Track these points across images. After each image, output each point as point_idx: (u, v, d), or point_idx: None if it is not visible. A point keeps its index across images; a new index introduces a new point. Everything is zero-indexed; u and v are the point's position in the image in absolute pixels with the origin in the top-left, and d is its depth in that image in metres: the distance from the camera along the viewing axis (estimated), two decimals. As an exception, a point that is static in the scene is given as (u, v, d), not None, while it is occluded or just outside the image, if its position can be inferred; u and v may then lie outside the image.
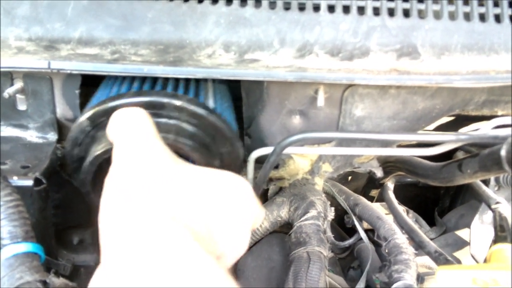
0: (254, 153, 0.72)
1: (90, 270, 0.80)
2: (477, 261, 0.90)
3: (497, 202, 0.88)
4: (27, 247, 0.54)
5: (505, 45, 0.60)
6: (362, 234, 0.88)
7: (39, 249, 0.56)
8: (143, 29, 0.61)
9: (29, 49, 0.62)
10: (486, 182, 0.96)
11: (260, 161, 0.73)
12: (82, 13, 0.61)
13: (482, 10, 0.62)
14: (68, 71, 0.62)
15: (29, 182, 0.61)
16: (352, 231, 0.95)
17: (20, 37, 0.61)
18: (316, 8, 0.62)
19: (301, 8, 0.62)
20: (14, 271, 0.52)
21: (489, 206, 0.88)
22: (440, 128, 0.85)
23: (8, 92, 0.65)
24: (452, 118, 0.84)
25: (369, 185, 1.18)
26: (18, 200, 0.57)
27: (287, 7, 0.62)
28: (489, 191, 0.91)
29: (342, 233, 1.04)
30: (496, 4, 0.62)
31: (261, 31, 0.61)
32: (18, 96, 0.68)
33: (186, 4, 0.62)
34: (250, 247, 0.81)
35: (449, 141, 0.65)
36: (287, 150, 0.67)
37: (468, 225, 0.97)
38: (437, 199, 1.23)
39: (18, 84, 0.66)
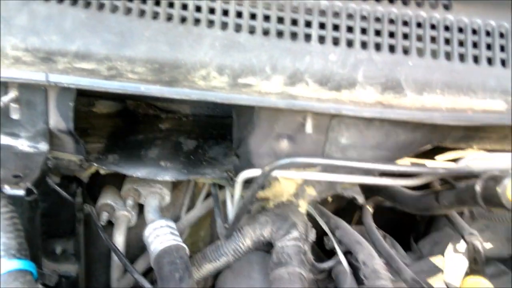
0: (242, 174, 0.73)
1: (71, 280, 0.80)
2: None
3: (471, 233, 0.90)
4: (20, 264, 0.55)
5: (483, 85, 0.64)
6: (342, 258, 0.90)
7: (32, 267, 0.56)
8: (140, 47, 0.63)
9: (25, 59, 0.62)
10: (460, 213, 0.99)
11: (247, 181, 0.74)
12: (80, 27, 0.62)
13: (462, 50, 0.65)
14: (65, 85, 0.63)
15: (21, 192, 0.61)
16: (331, 252, 0.96)
17: (17, 46, 0.62)
18: (308, 37, 0.64)
19: (293, 36, 0.64)
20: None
21: (462, 237, 0.90)
22: (418, 155, 0.88)
23: (2, 100, 0.66)
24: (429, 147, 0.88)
25: (348, 207, 1.20)
26: (13, 211, 0.57)
27: (280, 34, 0.64)
28: (462, 222, 0.94)
29: (320, 254, 1.06)
30: (475, 46, 0.66)
31: (254, 56, 0.63)
32: (12, 105, 0.68)
33: (183, 26, 0.63)
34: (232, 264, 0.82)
35: (428, 173, 0.68)
36: (274, 173, 0.69)
37: (442, 252, 0.99)
38: (413, 224, 1.26)
39: (13, 93, 0.67)
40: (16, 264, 0.54)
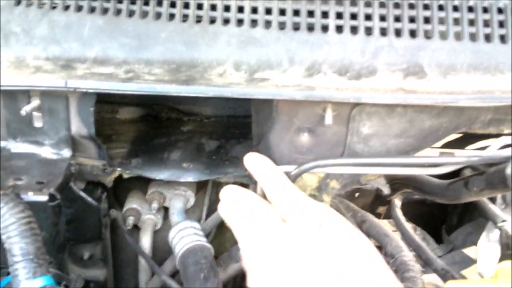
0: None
1: (99, 285, 0.81)
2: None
3: (503, 220, 0.88)
4: (42, 282, 0.55)
5: (510, 65, 0.62)
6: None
7: (50, 280, 0.57)
8: (157, 48, 0.63)
9: (46, 68, 0.64)
10: (493, 200, 0.97)
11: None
12: (98, 33, 0.63)
13: (488, 30, 0.63)
14: (84, 90, 0.64)
15: (44, 198, 0.62)
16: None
17: (38, 56, 0.63)
18: (325, 28, 0.64)
19: (310, 28, 0.63)
20: None
21: (495, 224, 0.88)
22: (447, 145, 0.86)
23: (25, 109, 0.67)
24: (459, 135, 0.85)
25: (376, 202, 1.18)
26: (30, 216, 0.58)
27: (296, 27, 0.64)
28: (495, 209, 0.91)
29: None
30: (501, 25, 0.63)
31: (271, 51, 0.63)
32: (35, 113, 0.70)
33: (198, 25, 0.64)
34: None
35: (457, 162, 0.66)
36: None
37: (475, 243, 0.96)
38: (445, 216, 1.23)
39: (35, 102, 0.68)
40: (38, 282, 0.55)
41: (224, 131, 0.99)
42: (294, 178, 0.68)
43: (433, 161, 0.70)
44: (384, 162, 0.68)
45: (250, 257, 0.60)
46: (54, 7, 0.64)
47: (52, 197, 0.63)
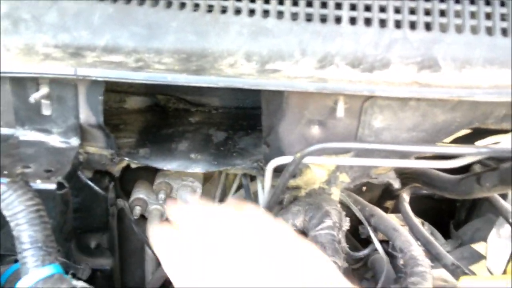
0: (272, 162, 0.72)
1: (106, 273, 0.81)
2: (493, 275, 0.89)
3: (515, 216, 0.87)
4: (50, 270, 0.55)
5: (527, 59, 0.61)
6: (378, 245, 0.88)
7: (59, 269, 0.57)
8: (167, 38, 0.62)
9: (55, 55, 0.63)
10: (503, 196, 0.96)
11: (277, 170, 0.73)
12: (108, 21, 0.63)
13: (504, 24, 0.62)
14: (93, 78, 0.63)
15: (52, 186, 0.62)
16: (367, 241, 0.95)
17: (47, 43, 0.63)
18: (338, 19, 0.63)
19: (323, 19, 0.62)
20: None
21: (507, 220, 0.87)
22: (457, 141, 0.85)
23: (34, 97, 0.66)
24: (469, 131, 0.84)
25: (384, 196, 1.18)
26: (39, 204, 0.58)
27: (309, 18, 0.63)
28: (507, 205, 0.91)
29: (356, 243, 1.04)
30: None
31: (283, 42, 0.62)
32: (43, 101, 0.69)
33: (210, 14, 0.63)
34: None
35: (470, 153, 0.65)
36: (305, 160, 0.68)
37: (484, 239, 0.96)
38: (453, 211, 1.23)
39: (44, 90, 0.68)
40: (47, 270, 0.55)
41: (232, 123, 0.99)
42: (298, 162, 0.67)
43: (444, 151, 0.69)
44: (392, 149, 0.67)
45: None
46: (64, -6, 0.63)
47: (60, 186, 0.63)
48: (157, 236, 0.52)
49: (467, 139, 0.87)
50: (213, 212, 0.53)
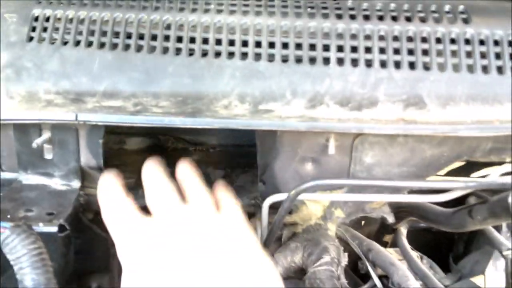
0: (268, 199, 0.74)
1: (107, 315, 0.81)
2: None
3: (509, 249, 0.87)
4: None
5: (508, 95, 0.63)
6: (376, 281, 0.88)
7: None
8: (164, 82, 0.65)
9: (57, 102, 0.65)
10: (498, 228, 0.96)
11: (274, 206, 0.74)
12: (107, 68, 0.65)
13: (485, 62, 0.64)
14: (94, 123, 0.65)
15: (54, 229, 0.63)
16: (366, 277, 0.94)
17: (49, 90, 0.65)
18: (326, 60, 0.65)
19: (312, 60, 0.65)
20: None
21: (500, 252, 0.87)
22: (452, 173, 0.86)
23: (36, 142, 0.69)
24: (463, 163, 0.86)
25: (382, 230, 1.18)
26: (41, 247, 0.59)
27: (298, 59, 0.65)
28: (500, 237, 0.91)
29: (356, 279, 1.04)
30: (498, 57, 0.65)
31: (274, 83, 0.64)
32: (46, 146, 0.71)
33: (204, 59, 0.65)
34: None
35: (457, 188, 0.67)
36: (301, 196, 0.69)
37: (483, 272, 0.95)
38: (451, 244, 1.22)
39: (46, 135, 0.70)
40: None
41: (230, 160, 1.00)
42: (293, 198, 0.68)
43: (432, 186, 0.70)
44: (383, 184, 0.69)
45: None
46: (65, 43, 0.66)
47: (61, 228, 0.64)
48: (119, 220, 0.60)
49: (462, 172, 0.89)
50: (187, 210, 0.57)
